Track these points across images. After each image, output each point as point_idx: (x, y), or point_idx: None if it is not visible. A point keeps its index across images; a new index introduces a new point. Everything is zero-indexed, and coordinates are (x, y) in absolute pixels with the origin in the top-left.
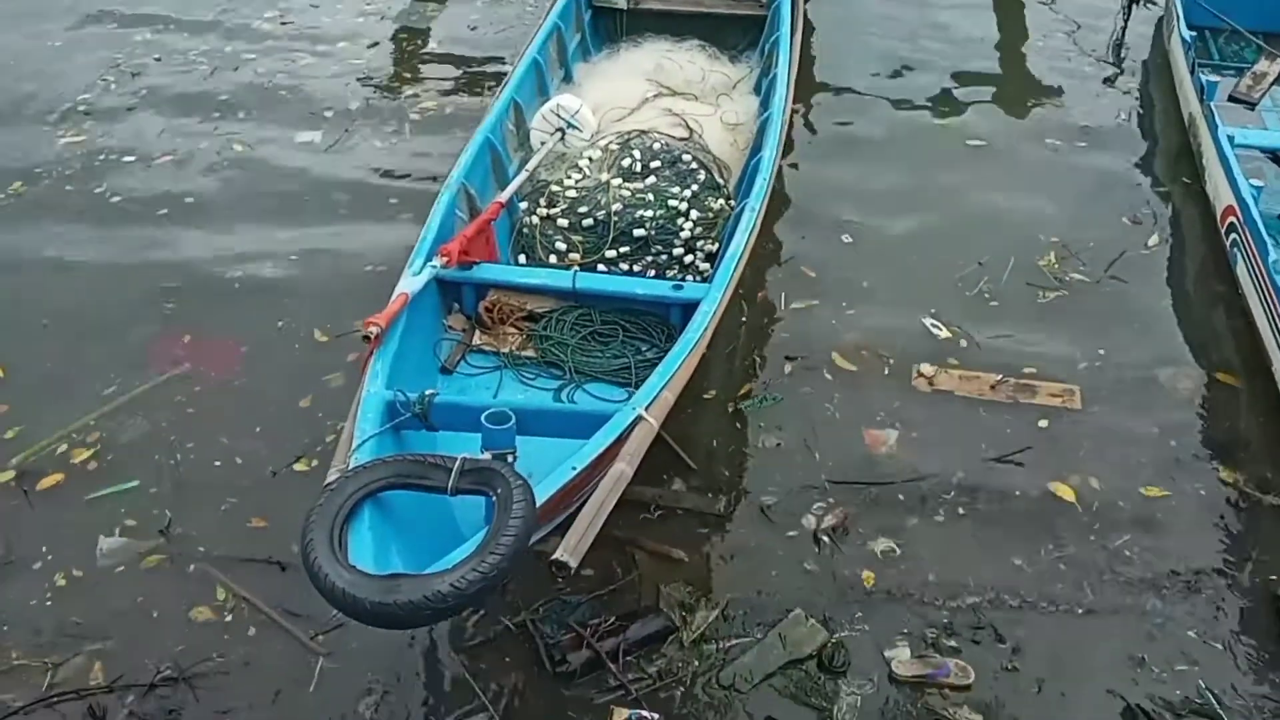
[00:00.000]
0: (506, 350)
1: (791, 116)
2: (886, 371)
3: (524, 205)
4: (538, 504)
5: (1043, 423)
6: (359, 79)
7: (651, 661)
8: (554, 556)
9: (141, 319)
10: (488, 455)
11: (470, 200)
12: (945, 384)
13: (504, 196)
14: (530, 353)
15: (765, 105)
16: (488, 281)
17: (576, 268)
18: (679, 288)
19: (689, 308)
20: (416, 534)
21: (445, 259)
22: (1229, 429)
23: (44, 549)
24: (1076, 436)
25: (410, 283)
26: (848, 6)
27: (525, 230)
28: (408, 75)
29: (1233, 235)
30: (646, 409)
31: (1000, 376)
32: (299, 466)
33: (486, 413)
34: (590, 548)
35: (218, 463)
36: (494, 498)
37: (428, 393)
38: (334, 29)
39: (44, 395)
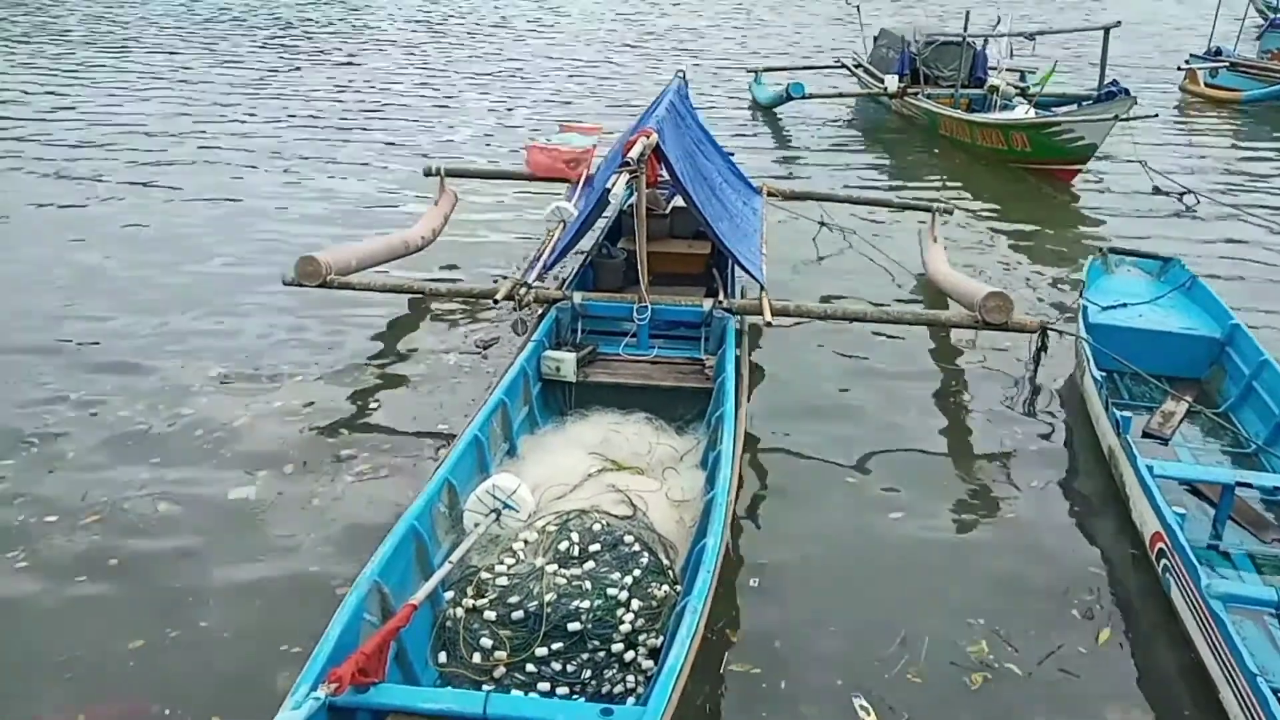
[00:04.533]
0: None
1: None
2: None
3: (449, 595)
4: None
5: None
6: (296, 438)
7: None
8: None
9: (36, 695)
10: None
11: (384, 600)
12: None
13: (419, 596)
14: None
15: (710, 483)
16: (386, 707)
17: (490, 688)
18: (608, 713)
19: None
20: None
21: (335, 685)
22: None
23: None
24: None
25: None
26: (790, 377)
27: (449, 624)
28: (347, 436)
29: (1163, 561)
30: None
31: None
32: None
33: None
34: None
35: None
36: None
37: None
38: (273, 388)
39: None
